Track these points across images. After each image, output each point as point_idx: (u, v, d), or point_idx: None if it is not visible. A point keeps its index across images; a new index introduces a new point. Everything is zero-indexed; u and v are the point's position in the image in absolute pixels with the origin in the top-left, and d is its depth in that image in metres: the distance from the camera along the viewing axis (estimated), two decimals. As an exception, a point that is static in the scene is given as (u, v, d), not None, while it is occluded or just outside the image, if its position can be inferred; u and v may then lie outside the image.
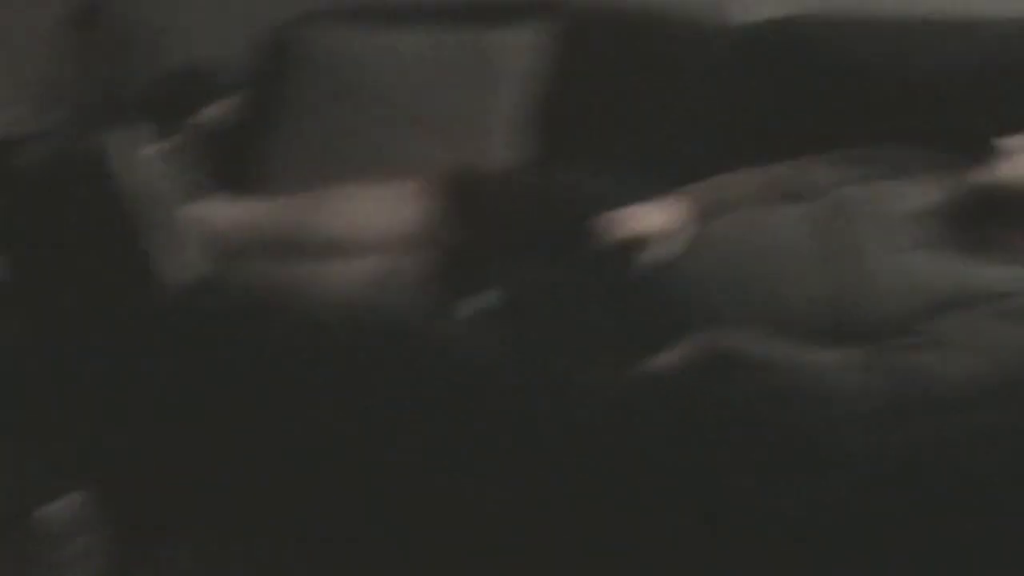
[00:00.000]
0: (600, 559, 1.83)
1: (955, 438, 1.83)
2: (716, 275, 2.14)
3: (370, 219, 2.34)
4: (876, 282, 2.08)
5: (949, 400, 1.91)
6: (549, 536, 1.85)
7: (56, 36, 3.31)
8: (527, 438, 1.88)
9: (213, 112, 2.91)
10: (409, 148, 2.64)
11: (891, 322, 2.02)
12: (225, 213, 2.40)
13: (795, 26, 2.74)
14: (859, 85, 2.62)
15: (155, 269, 2.21)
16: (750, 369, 1.99)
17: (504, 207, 2.33)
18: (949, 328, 1.99)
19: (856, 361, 1.97)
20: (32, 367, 2.06)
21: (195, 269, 2.24)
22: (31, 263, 2.28)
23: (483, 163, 2.61)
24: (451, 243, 2.27)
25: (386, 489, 1.90)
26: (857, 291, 2.07)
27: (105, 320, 2.07)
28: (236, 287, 2.20)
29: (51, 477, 2.02)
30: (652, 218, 2.22)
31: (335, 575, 1.91)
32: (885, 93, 2.60)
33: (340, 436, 1.91)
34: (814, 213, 2.22)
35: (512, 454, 1.88)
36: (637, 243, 2.19)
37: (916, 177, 2.33)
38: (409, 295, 2.16)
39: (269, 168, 2.75)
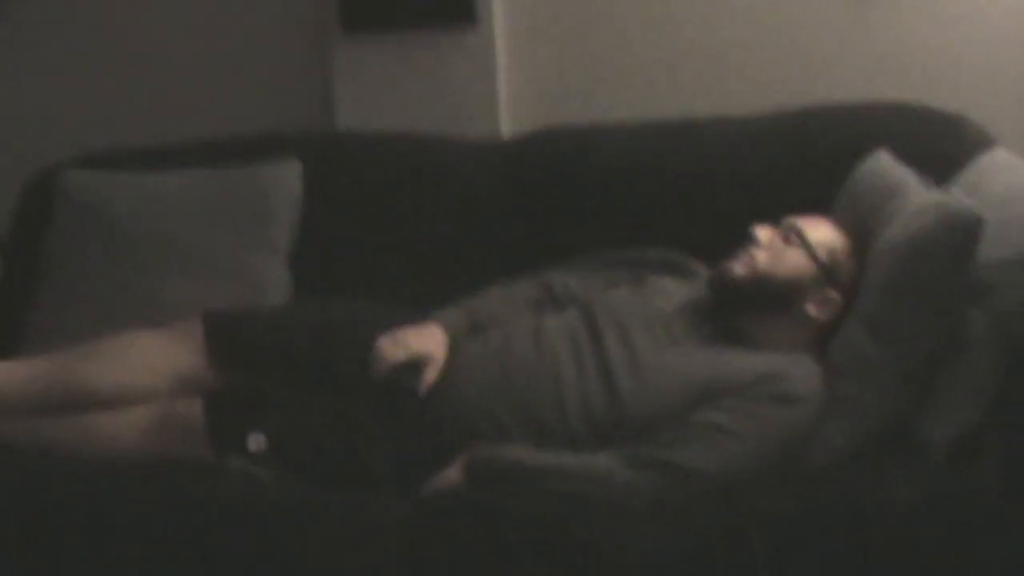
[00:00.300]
0: None
1: (724, 527, 1.92)
2: (487, 389, 2.18)
3: (143, 365, 2.30)
4: (639, 381, 2.15)
5: (709, 491, 2.00)
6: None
7: None
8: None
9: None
10: (180, 290, 2.60)
11: (655, 419, 2.10)
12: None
13: (550, 137, 2.82)
14: (623, 189, 2.70)
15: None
16: (526, 477, 2.04)
17: (276, 343, 2.32)
18: (709, 419, 2.07)
19: (627, 459, 2.04)
20: None
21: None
22: None
23: (256, 300, 2.60)
24: (223, 385, 2.25)
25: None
26: (622, 391, 2.15)
27: None
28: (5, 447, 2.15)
29: None
30: (423, 340, 2.25)
31: None
32: (641, 195, 2.69)
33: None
34: (577, 319, 2.30)
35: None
36: (410, 367, 2.20)
37: (673, 276, 2.45)
38: (184, 440, 2.14)
39: (36, 322, 2.69)
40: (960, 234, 2.06)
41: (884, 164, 2.42)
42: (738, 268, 2.26)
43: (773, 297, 2.24)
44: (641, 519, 1.97)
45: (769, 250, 2.26)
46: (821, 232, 2.28)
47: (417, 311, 2.38)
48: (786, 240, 2.27)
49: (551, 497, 2.01)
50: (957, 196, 2.17)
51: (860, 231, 2.29)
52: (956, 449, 2.04)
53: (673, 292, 2.37)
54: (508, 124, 3.02)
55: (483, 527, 1.92)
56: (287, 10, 3.11)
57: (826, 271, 2.24)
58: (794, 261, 2.25)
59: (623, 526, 1.95)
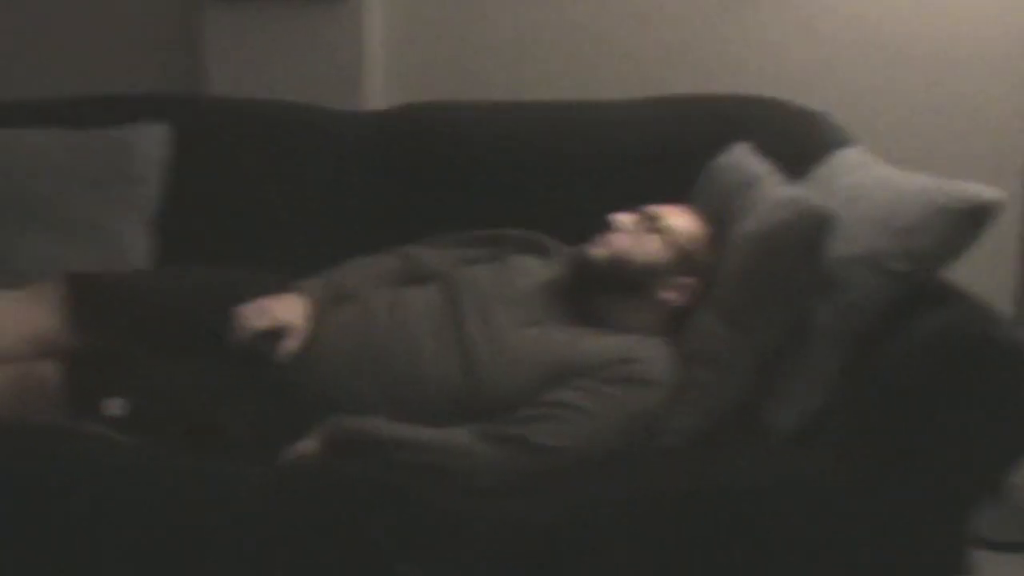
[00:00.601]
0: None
1: (578, 507, 1.97)
2: (346, 361, 2.21)
3: (2, 325, 2.27)
4: (497, 358, 2.19)
5: (565, 470, 2.05)
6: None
7: None
8: (182, 540, 1.90)
9: None
10: (39, 251, 2.55)
11: (512, 396, 2.14)
12: None
13: (419, 112, 2.83)
14: (490, 167, 2.73)
15: None
16: (383, 448, 2.07)
17: (137, 307, 2.30)
18: (562, 398, 2.12)
19: (483, 435, 2.08)
20: None
21: None
22: None
23: (118, 263, 2.57)
24: (84, 347, 2.23)
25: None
26: (480, 367, 2.18)
27: None
28: None
29: None
30: (285, 309, 2.26)
31: None
32: (505, 175, 2.72)
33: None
34: (438, 294, 2.33)
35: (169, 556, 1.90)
36: (271, 335, 2.21)
37: (534, 256, 2.49)
38: (41, 402, 2.12)
39: None
40: (812, 230, 2.13)
41: (742, 156, 2.50)
42: (597, 250, 2.31)
43: (630, 281, 2.29)
44: (493, 493, 2.02)
45: (629, 235, 2.31)
46: (681, 220, 2.34)
47: (281, 280, 2.38)
48: (646, 227, 2.32)
49: (407, 468, 2.05)
50: (810, 192, 2.24)
51: (717, 220, 2.36)
52: (799, 433, 2.13)
53: (533, 271, 2.41)
54: (378, 99, 3.03)
55: (340, 494, 1.95)
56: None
57: (683, 258, 2.29)
58: (652, 247, 2.30)
59: (474, 498, 1.99)
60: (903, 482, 2.01)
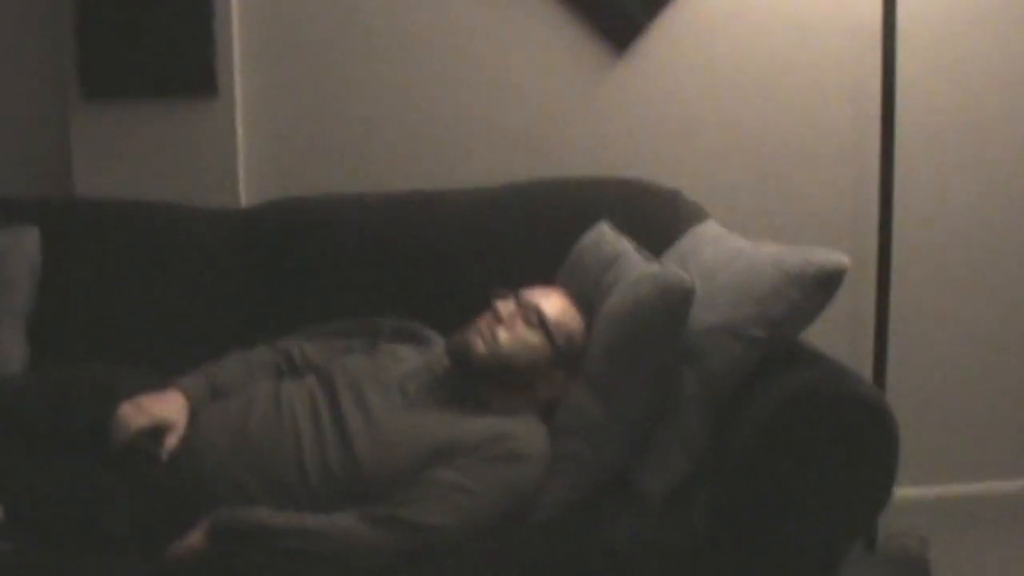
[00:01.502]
0: None
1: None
2: (227, 454, 2.21)
3: None
4: (375, 440, 2.22)
5: (445, 549, 2.09)
6: None
7: None
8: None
9: None
10: None
11: (391, 477, 2.17)
12: None
13: (285, 207, 2.86)
14: (358, 258, 2.76)
15: None
16: (268, 537, 2.08)
17: (12, 408, 2.27)
18: (440, 477, 2.16)
19: (365, 517, 2.10)
20: None
21: None
22: None
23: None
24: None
25: None
26: (358, 450, 2.21)
27: None
28: None
29: None
30: (164, 406, 2.27)
31: None
32: (374, 264, 2.76)
33: None
34: (314, 384, 2.36)
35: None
36: (151, 433, 2.22)
37: (406, 343, 2.54)
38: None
39: None
40: (674, 303, 2.21)
41: (605, 234, 2.59)
42: (479, 345, 2.34)
43: (511, 377, 2.34)
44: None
45: (510, 329, 2.35)
46: (559, 310, 2.38)
47: (157, 377, 2.39)
48: (527, 320, 2.36)
49: (292, 557, 2.07)
50: (671, 267, 2.32)
51: (583, 295, 2.44)
52: (670, 497, 2.19)
53: (406, 358, 2.46)
54: (247, 195, 3.04)
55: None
56: (27, 75, 3.06)
57: (561, 354, 2.35)
58: (533, 344, 2.35)
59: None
60: (774, 539, 2.09)
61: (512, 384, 2.35)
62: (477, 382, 2.35)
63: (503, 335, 2.34)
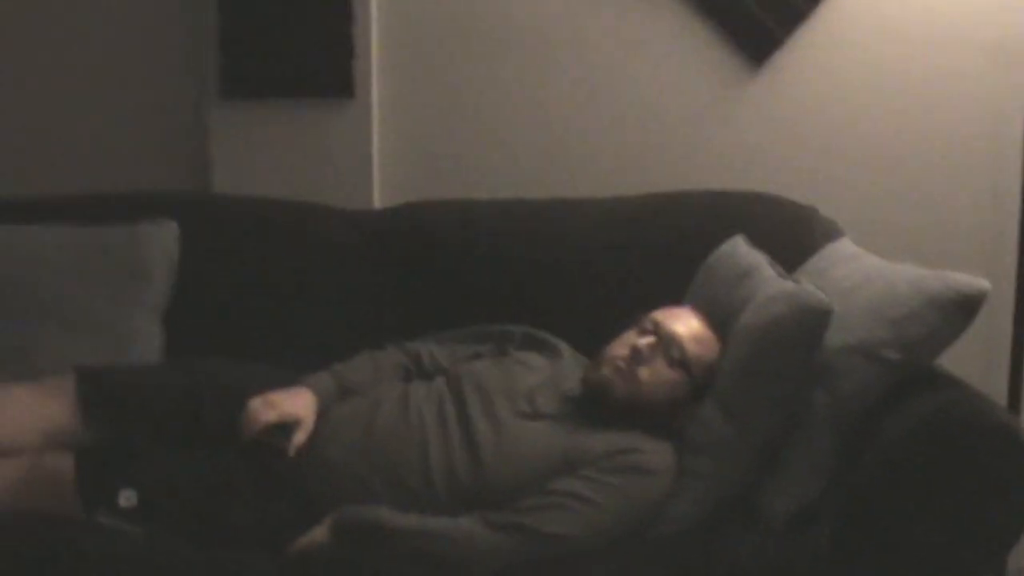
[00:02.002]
0: None
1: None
2: (353, 453, 2.24)
3: (13, 419, 2.30)
4: (502, 449, 2.23)
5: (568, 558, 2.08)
6: None
7: None
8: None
9: None
10: (52, 346, 2.57)
11: (516, 486, 2.17)
12: None
13: (420, 210, 2.88)
14: (491, 264, 2.76)
15: None
16: (390, 538, 2.10)
17: (148, 400, 2.33)
18: (566, 487, 2.15)
19: (488, 523, 2.11)
20: None
21: None
22: None
23: (129, 357, 2.59)
24: (93, 441, 2.26)
25: None
26: (485, 458, 2.21)
27: None
28: None
29: None
30: (293, 403, 2.29)
31: None
32: (506, 272, 2.76)
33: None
34: (443, 388, 2.37)
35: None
36: (280, 428, 2.25)
37: (536, 352, 2.53)
38: (53, 495, 2.15)
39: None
40: (810, 324, 2.18)
41: (740, 248, 2.55)
42: (620, 387, 2.30)
43: (648, 413, 2.30)
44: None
45: (650, 368, 2.30)
46: (698, 343, 2.32)
47: (288, 374, 2.42)
48: (667, 355, 2.31)
49: (414, 558, 2.08)
50: (808, 285, 2.27)
51: (715, 305, 2.41)
52: (796, 519, 2.16)
53: (535, 367, 2.45)
54: (380, 197, 3.09)
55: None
56: (169, 74, 3.14)
57: (699, 387, 2.30)
58: (673, 383, 2.30)
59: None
60: (901, 567, 2.05)
61: (647, 414, 2.31)
62: (612, 414, 2.31)
63: (644, 375, 2.30)
